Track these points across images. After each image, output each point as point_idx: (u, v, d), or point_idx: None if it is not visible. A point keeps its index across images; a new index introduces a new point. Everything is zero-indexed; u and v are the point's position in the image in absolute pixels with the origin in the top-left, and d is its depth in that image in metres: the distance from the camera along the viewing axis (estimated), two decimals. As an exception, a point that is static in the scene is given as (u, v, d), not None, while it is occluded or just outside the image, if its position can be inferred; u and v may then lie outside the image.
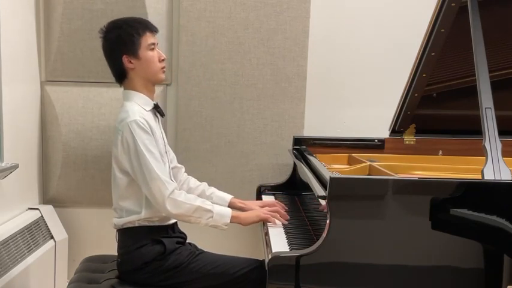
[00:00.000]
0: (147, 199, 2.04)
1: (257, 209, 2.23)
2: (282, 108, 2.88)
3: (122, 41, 2.06)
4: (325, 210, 1.71)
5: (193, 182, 2.39)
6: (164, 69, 2.14)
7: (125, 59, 2.06)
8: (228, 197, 2.33)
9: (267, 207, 2.23)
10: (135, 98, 2.09)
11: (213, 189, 2.35)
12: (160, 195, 1.99)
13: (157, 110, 2.14)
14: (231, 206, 2.28)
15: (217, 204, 2.14)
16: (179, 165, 2.39)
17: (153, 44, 2.10)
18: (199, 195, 2.25)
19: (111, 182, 2.14)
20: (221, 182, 2.84)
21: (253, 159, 2.91)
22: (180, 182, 2.36)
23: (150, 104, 2.11)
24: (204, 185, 2.38)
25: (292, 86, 2.87)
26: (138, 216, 2.04)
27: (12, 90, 2.48)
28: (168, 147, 2.28)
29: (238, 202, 2.32)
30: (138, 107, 2.06)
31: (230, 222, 2.07)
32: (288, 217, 2.17)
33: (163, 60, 2.12)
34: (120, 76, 2.11)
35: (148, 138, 2.00)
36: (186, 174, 2.42)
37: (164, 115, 2.21)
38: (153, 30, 2.12)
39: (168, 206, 1.99)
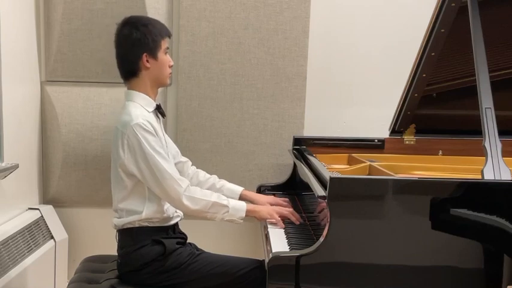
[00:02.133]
0: (149, 199, 2.05)
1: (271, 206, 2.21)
2: (282, 108, 2.88)
3: (146, 39, 2.05)
4: (324, 216, 1.71)
5: (202, 175, 2.38)
6: (171, 75, 2.16)
7: (144, 57, 2.05)
8: (238, 189, 2.33)
9: (279, 207, 2.19)
10: (139, 98, 2.08)
11: (223, 182, 2.35)
12: (176, 193, 1.99)
13: (159, 111, 2.14)
14: (242, 198, 2.28)
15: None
16: (183, 159, 2.38)
17: (168, 48, 2.13)
18: (209, 189, 2.25)
19: (111, 182, 2.13)
20: (221, 182, 2.84)
21: (253, 159, 2.91)
22: (188, 176, 2.34)
23: (152, 105, 2.11)
24: (214, 177, 2.37)
25: (292, 86, 2.87)
26: (139, 217, 2.04)
27: (12, 90, 2.48)
28: (169, 142, 2.28)
29: (250, 194, 2.32)
30: (140, 109, 2.05)
31: (245, 215, 2.08)
32: (301, 220, 2.13)
33: (171, 66, 2.14)
34: (131, 73, 2.09)
35: (154, 140, 2.00)
36: (194, 167, 2.41)
37: (165, 116, 2.21)
38: (170, 35, 2.15)
39: (186, 202, 2.00)
